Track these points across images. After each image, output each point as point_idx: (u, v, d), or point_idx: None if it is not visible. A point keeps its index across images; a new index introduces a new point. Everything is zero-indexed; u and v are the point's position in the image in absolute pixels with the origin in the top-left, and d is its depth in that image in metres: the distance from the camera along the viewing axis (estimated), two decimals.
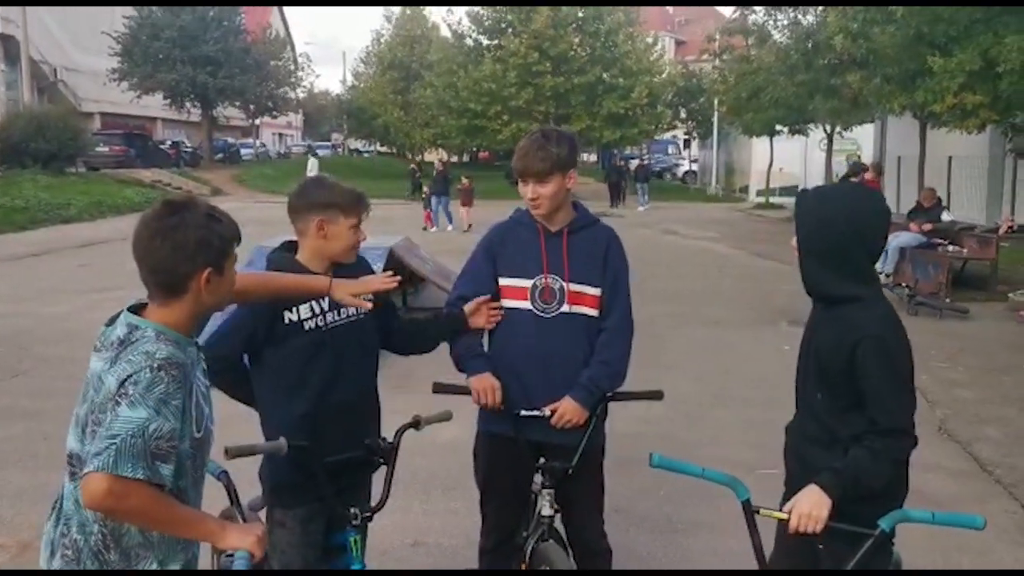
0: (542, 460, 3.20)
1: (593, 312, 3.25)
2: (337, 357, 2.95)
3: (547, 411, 3.17)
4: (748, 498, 2.49)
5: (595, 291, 3.24)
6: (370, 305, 2.85)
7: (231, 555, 2.17)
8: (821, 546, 2.56)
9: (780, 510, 2.55)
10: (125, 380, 2.01)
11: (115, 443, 1.95)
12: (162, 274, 2.13)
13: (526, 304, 3.23)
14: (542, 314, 3.21)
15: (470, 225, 22.31)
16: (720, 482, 2.54)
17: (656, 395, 3.34)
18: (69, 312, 10.90)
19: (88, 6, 41.05)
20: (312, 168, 34.67)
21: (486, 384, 3.16)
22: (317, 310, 2.94)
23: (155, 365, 2.02)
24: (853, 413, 2.56)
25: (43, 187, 25.96)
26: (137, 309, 2.20)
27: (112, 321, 2.22)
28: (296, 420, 2.89)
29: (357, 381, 3.04)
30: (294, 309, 2.91)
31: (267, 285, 2.78)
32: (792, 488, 2.64)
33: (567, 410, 3.15)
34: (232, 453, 2.65)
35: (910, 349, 2.57)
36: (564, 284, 3.20)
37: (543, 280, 3.21)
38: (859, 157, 31.68)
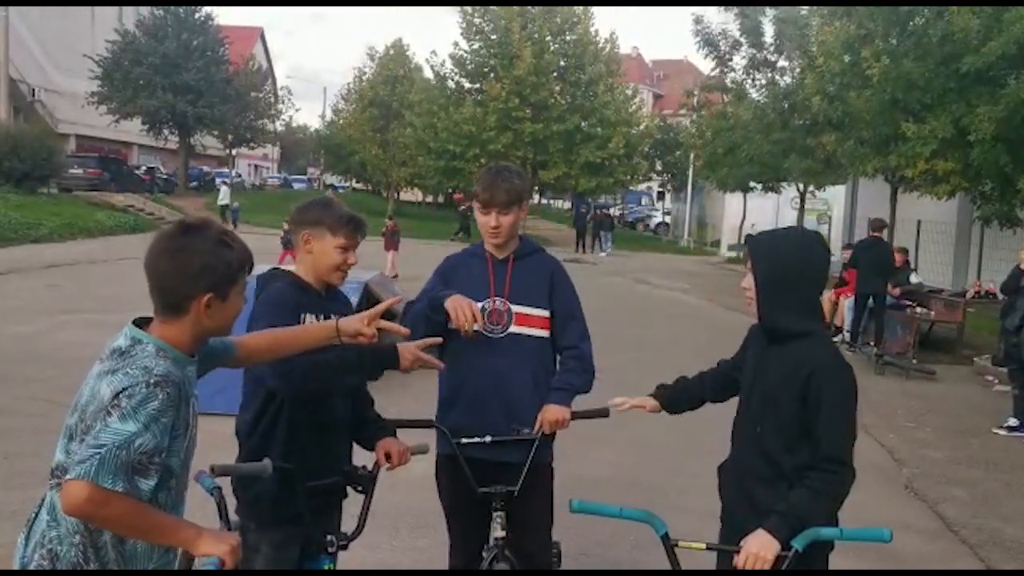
0: (488, 487, 3.29)
1: (542, 333, 3.43)
2: None
3: (488, 438, 3.30)
4: (666, 532, 2.59)
5: (542, 313, 3.43)
6: (374, 333, 2.71)
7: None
8: None
9: (722, 546, 2.70)
10: (120, 392, 2.01)
11: (100, 453, 1.95)
12: (164, 292, 2.17)
13: (476, 326, 3.31)
14: (490, 335, 3.37)
15: (396, 275, 19.11)
16: (637, 519, 2.64)
17: (603, 413, 3.42)
18: (35, 332, 10.73)
19: (72, 5, 41.00)
20: (224, 196, 34.50)
21: (461, 301, 3.20)
22: (311, 323, 2.96)
23: (151, 381, 2.03)
24: (800, 445, 2.66)
25: (14, 206, 25.66)
26: (142, 323, 2.20)
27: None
28: (277, 431, 2.90)
29: (337, 401, 3.05)
30: (303, 316, 2.94)
31: (293, 341, 2.65)
32: (733, 523, 2.74)
33: (549, 414, 3.29)
34: (218, 471, 2.65)
35: (856, 387, 2.69)
36: (510, 306, 3.38)
37: (491, 303, 3.38)
38: (830, 217, 32.25)
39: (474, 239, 3.45)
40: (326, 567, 2.90)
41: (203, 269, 2.16)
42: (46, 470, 2.18)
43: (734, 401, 3.30)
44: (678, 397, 3.23)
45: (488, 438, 3.29)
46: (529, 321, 3.39)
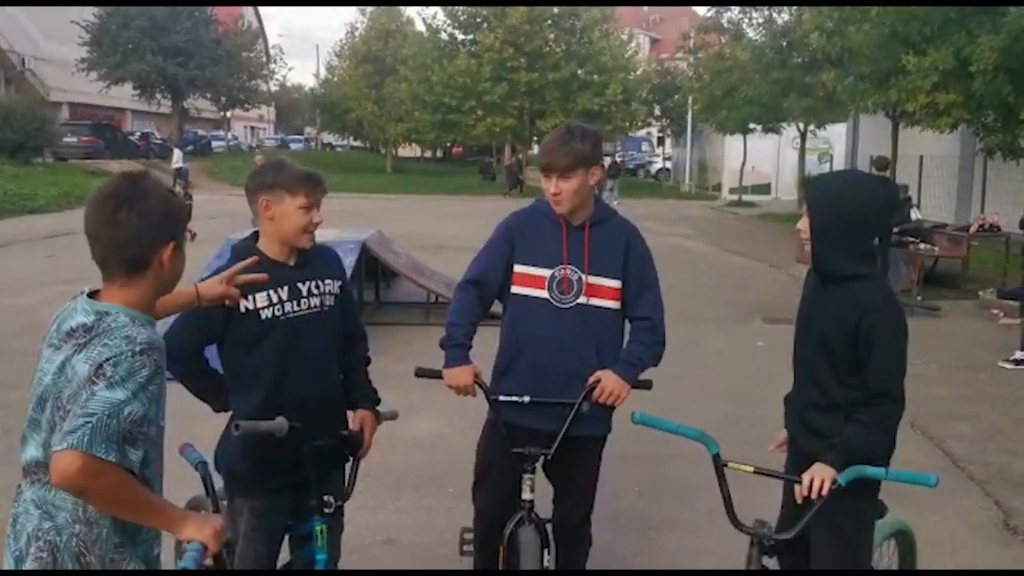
0: (522, 448, 3.19)
1: (612, 304, 3.29)
2: (292, 349, 2.89)
3: (526, 398, 3.19)
4: (718, 452, 2.77)
5: (614, 283, 3.28)
6: (237, 293, 2.74)
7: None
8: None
9: (785, 475, 2.88)
10: (103, 362, 1.93)
11: (91, 422, 1.87)
12: (128, 247, 2.05)
13: (543, 293, 3.25)
14: (558, 304, 3.25)
15: None
16: (692, 437, 2.81)
17: (645, 385, 3.32)
18: (35, 304, 10.68)
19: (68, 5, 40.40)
20: (177, 160, 33.82)
21: (457, 381, 3.18)
22: (275, 299, 2.88)
23: (137, 349, 1.95)
24: (851, 380, 2.79)
25: (9, 177, 25.54)
26: (92, 296, 2.11)
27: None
28: (252, 412, 2.82)
29: (318, 373, 2.96)
30: (250, 298, 2.84)
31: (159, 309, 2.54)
32: (797, 450, 2.88)
33: (608, 383, 3.14)
34: (242, 429, 2.66)
35: (907, 327, 2.79)
36: (583, 276, 3.24)
37: (562, 271, 3.24)
38: (831, 156, 31.96)
39: (526, 195, 3.30)
40: (317, 529, 2.87)
41: (164, 216, 2.08)
42: None
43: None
44: None
45: (526, 398, 3.18)
46: (600, 292, 3.25)
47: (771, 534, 2.69)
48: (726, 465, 2.73)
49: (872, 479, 2.72)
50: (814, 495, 2.63)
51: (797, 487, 2.70)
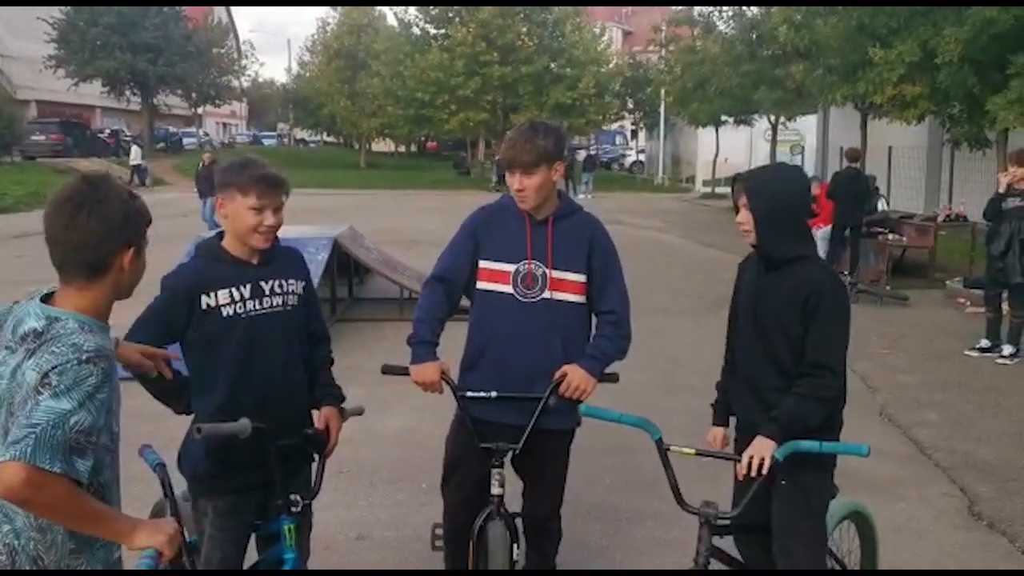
0: (490, 444, 3.21)
1: (576, 298, 3.31)
2: (253, 347, 2.88)
3: (493, 394, 3.21)
4: (660, 437, 2.85)
5: (578, 278, 3.30)
6: (151, 367, 2.68)
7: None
8: (784, 481, 2.86)
9: (724, 454, 2.97)
10: (49, 371, 1.91)
11: (34, 432, 1.85)
12: (87, 251, 2.03)
13: (508, 288, 3.28)
14: (523, 299, 3.27)
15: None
16: (634, 424, 2.87)
17: (612, 378, 3.34)
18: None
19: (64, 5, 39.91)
20: (135, 156, 33.47)
21: (423, 377, 3.21)
22: (236, 296, 2.87)
23: (83, 358, 1.93)
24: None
25: None
26: (47, 299, 2.08)
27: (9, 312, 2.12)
28: (214, 411, 2.82)
29: (280, 372, 2.95)
30: (212, 294, 2.83)
31: None
32: (751, 429, 2.91)
33: (575, 378, 3.18)
34: (204, 432, 2.64)
35: (850, 306, 2.99)
36: (547, 270, 3.26)
37: (526, 266, 3.26)
38: (803, 148, 32.18)
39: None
40: (285, 528, 2.86)
41: (125, 219, 2.06)
42: None
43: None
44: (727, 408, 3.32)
45: (493, 393, 3.20)
46: (564, 287, 3.27)
47: (717, 513, 2.75)
48: (669, 449, 2.84)
49: (824, 455, 2.82)
50: (753, 473, 2.71)
51: (737, 466, 2.79)
